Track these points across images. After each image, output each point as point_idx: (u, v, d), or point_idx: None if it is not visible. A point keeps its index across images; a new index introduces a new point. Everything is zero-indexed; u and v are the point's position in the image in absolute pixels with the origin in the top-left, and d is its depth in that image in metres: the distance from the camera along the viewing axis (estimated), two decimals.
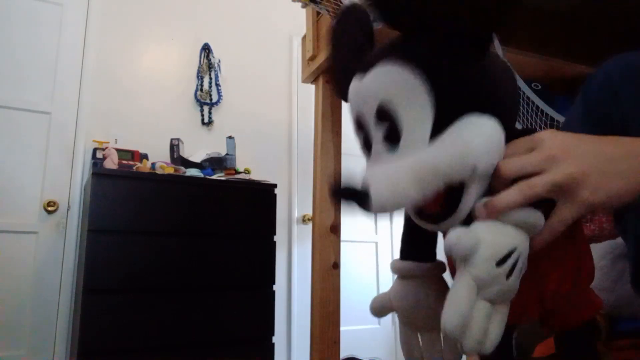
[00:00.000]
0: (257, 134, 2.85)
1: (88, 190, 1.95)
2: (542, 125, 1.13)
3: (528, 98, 1.15)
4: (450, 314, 0.41)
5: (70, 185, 2.33)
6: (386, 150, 0.47)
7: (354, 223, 2.93)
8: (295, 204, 2.87)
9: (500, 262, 0.43)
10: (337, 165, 1.12)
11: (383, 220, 3.07)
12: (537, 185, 0.43)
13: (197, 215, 2.00)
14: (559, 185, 0.43)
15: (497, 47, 1.21)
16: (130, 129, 2.49)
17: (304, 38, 1.35)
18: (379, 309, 0.62)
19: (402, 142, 0.46)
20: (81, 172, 2.36)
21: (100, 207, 1.83)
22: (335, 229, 1.06)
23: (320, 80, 1.23)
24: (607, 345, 0.81)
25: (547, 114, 1.12)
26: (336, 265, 1.04)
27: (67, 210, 2.30)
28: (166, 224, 1.93)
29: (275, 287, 2.10)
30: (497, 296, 0.43)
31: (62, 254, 2.26)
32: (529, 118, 1.16)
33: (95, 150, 2.22)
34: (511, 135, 0.47)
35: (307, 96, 2.92)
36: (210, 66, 2.76)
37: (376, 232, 3.07)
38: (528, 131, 0.48)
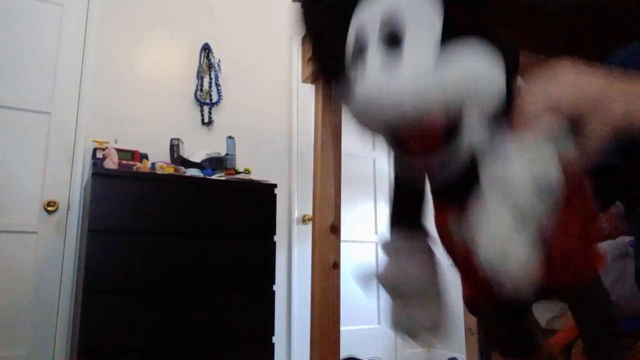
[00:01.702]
0: (257, 134, 2.85)
1: (88, 190, 1.95)
2: None
3: None
4: (489, 248, 0.40)
5: (70, 185, 2.33)
6: (386, 57, 0.45)
7: (354, 223, 2.93)
8: (295, 204, 2.87)
9: (542, 196, 0.41)
10: (337, 165, 1.12)
11: (383, 221, 3.07)
12: (564, 97, 0.42)
13: (197, 215, 2.00)
14: (590, 101, 0.41)
15: None
16: (130, 129, 2.49)
17: (304, 38, 1.35)
18: (365, 278, 0.62)
19: (406, 49, 0.44)
20: (81, 172, 2.36)
21: (100, 207, 1.83)
22: (335, 229, 1.06)
23: (320, 80, 1.23)
24: None
25: None
26: (336, 265, 1.04)
27: (67, 210, 2.30)
28: (166, 224, 1.93)
29: (275, 287, 2.10)
30: (534, 227, 0.42)
31: (62, 254, 2.26)
32: None
33: (95, 150, 2.22)
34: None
35: (307, 96, 2.92)
36: (210, 66, 2.76)
37: (376, 232, 3.07)
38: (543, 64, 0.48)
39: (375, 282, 0.61)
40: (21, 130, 2.28)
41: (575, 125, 0.43)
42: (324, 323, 1.01)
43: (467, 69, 0.43)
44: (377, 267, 0.61)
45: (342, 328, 1.01)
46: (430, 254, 0.59)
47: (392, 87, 0.42)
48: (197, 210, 2.00)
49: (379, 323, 2.94)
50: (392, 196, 0.62)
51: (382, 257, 0.62)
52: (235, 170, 2.34)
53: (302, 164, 2.91)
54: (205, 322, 1.92)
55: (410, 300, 0.59)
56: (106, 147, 2.14)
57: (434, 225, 0.61)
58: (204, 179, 2.13)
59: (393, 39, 0.45)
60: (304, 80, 1.34)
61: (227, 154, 2.37)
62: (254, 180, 2.22)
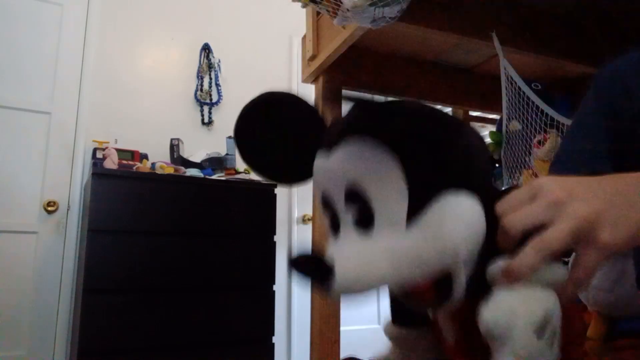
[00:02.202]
0: None
1: (88, 190, 1.95)
2: (542, 125, 1.13)
3: (528, 98, 1.15)
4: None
5: (70, 185, 2.33)
6: (357, 234, 0.44)
7: None
8: (295, 204, 2.87)
9: (540, 330, 0.39)
10: None
11: None
12: (554, 240, 0.38)
13: (197, 215, 2.00)
14: (575, 233, 0.38)
15: (497, 48, 1.21)
16: (130, 129, 2.49)
17: (304, 38, 1.35)
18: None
19: (376, 225, 0.43)
20: (81, 172, 2.36)
21: (100, 207, 1.83)
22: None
23: (320, 80, 1.23)
24: (607, 345, 0.81)
25: (547, 114, 1.12)
26: None
27: (67, 210, 2.30)
28: (166, 224, 1.93)
29: (275, 287, 2.10)
30: None
31: (62, 254, 2.26)
32: (529, 118, 1.16)
33: (95, 150, 2.22)
34: (493, 196, 0.44)
35: (307, 96, 2.92)
36: (210, 66, 2.76)
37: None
38: (510, 189, 0.45)
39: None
40: (21, 130, 2.28)
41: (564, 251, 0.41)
42: (324, 323, 1.01)
43: (443, 226, 0.42)
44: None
45: (342, 328, 1.01)
46: (436, 344, 0.58)
47: (370, 265, 0.42)
48: (197, 210, 2.00)
49: (379, 323, 2.94)
50: (390, 296, 0.59)
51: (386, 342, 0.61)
52: (235, 170, 2.33)
53: None
54: (205, 322, 1.92)
55: None
56: (106, 147, 2.14)
57: None
58: (204, 179, 2.13)
59: (362, 215, 0.44)
60: (304, 80, 1.34)
61: (227, 154, 2.37)
62: (254, 180, 2.22)
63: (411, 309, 0.56)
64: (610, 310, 0.82)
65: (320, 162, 0.48)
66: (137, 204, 1.89)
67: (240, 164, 2.52)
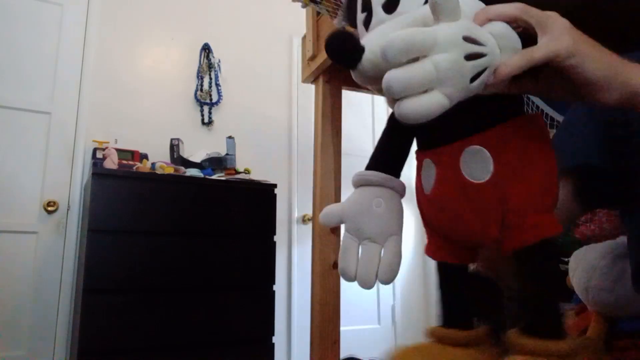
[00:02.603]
0: (257, 134, 2.85)
1: (88, 190, 1.95)
2: None
3: (528, 98, 1.15)
4: (394, 37, 0.39)
5: (70, 185, 2.33)
6: (385, 17, 0.50)
7: None
8: (295, 204, 2.87)
9: (470, 58, 0.41)
10: (337, 165, 1.12)
11: None
12: (539, 51, 0.45)
13: (197, 215, 2.00)
14: (557, 53, 0.44)
15: None
16: (130, 129, 2.49)
17: (304, 38, 1.35)
18: (329, 216, 0.61)
19: (399, 6, 0.49)
20: (81, 172, 2.36)
21: (100, 207, 1.83)
22: (335, 229, 1.06)
23: (320, 80, 1.23)
24: (607, 345, 0.81)
25: (547, 114, 1.12)
26: (336, 265, 1.04)
27: (67, 210, 2.30)
28: (166, 224, 1.93)
29: (275, 287, 2.10)
30: (453, 93, 0.40)
31: (62, 254, 2.26)
32: None
33: (95, 150, 2.22)
34: None
35: (307, 96, 2.92)
36: (210, 66, 2.76)
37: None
38: None
39: (339, 220, 0.62)
40: (21, 130, 2.28)
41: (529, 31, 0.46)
42: (324, 323, 1.01)
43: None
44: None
45: (342, 328, 1.01)
46: (399, 200, 0.60)
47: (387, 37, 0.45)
48: (197, 210, 2.00)
49: (379, 323, 2.94)
50: (377, 145, 0.63)
51: None
52: (235, 170, 2.34)
53: (302, 164, 2.91)
54: (205, 322, 1.92)
55: (367, 240, 0.58)
56: (106, 147, 2.14)
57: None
58: (204, 179, 2.13)
59: (389, 3, 0.50)
60: (304, 81, 1.34)
61: (227, 154, 2.37)
62: (254, 180, 2.22)
63: (394, 148, 0.61)
64: (610, 310, 0.82)
65: None
66: (137, 204, 1.89)
67: (240, 164, 2.52)
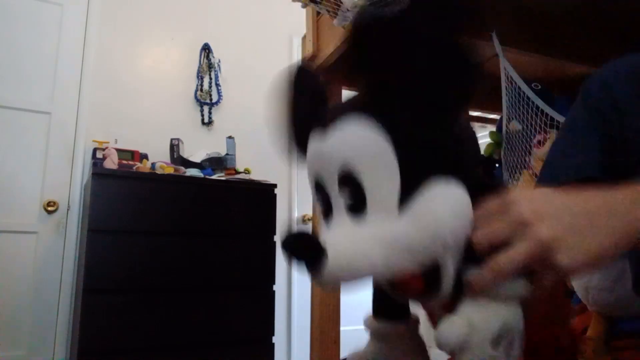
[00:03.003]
0: (257, 134, 2.84)
1: (88, 190, 1.95)
2: (542, 125, 1.13)
3: (528, 98, 1.15)
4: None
5: (70, 185, 2.33)
6: (350, 218, 0.44)
7: None
8: (295, 204, 2.87)
9: (496, 342, 0.41)
10: None
11: None
12: (511, 261, 0.41)
13: (197, 215, 2.00)
14: (532, 255, 0.41)
15: (497, 47, 1.21)
16: (130, 129, 2.49)
17: (304, 38, 1.35)
18: None
19: (368, 210, 0.43)
20: (81, 172, 2.36)
21: (100, 207, 1.83)
22: None
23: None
24: (607, 345, 0.81)
25: (547, 114, 1.12)
26: None
27: (67, 210, 2.30)
28: (166, 224, 1.93)
29: (275, 287, 2.10)
30: None
31: (62, 254, 2.26)
32: (529, 118, 1.16)
33: (95, 150, 2.22)
34: (480, 189, 0.45)
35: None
36: (210, 66, 2.76)
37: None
38: (495, 185, 0.47)
39: None
40: (21, 130, 2.28)
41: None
42: (324, 323, 1.01)
43: (434, 215, 0.42)
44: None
45: (342, 328, 1.01)
46: (419, 339, 0.58)
47: (361, 252, 0.42)
48: (197, 210, 2.00)
49: None
50: (373, 289, 0.60)
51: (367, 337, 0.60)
52: (235, 170, 2.34)
53: (302, 164, 2.91)
54: (205, 322, 1.92)
55: None
56: (106, 147, 2.13)
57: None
58: (204, 179, 2.13)
59: (355, 199, 0.44)
60: None
61: (227, 154, 2.37)
62: (254, 180, 2.22)
63: (396, 301, 0.56)
64: (610, 310, 0.82)
65: (315, 145, 0.48)
66: (137, 204, 1.89)
67: (240, 164, 2.52)
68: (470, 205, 0.44)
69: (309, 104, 0.54)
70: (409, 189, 0.43)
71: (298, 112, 0.55)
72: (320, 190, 0.48)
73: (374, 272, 0.42)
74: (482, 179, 0.50)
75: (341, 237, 0.43)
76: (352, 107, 0.45)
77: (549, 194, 0.45)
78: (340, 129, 0.44)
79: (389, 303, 0.57)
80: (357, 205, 0.44)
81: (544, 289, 0.44)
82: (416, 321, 0.58)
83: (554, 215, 0.42)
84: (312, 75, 0.57)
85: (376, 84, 0.45)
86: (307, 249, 0.41)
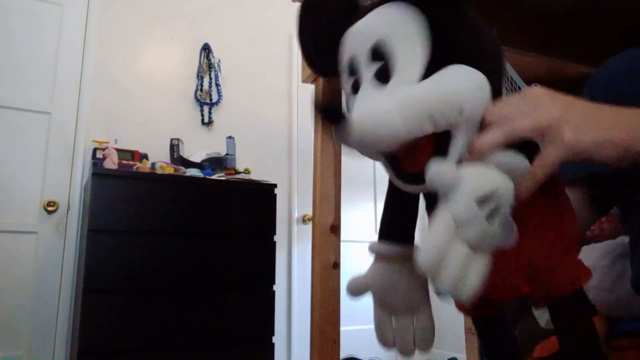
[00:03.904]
0: (257, 134, 2.85)
1: (88, 190, 1.95)
2: None
3: None
4: (426, 247, 0.39)
5: (70, 185, 2.33)
6: (375, 88, 0.47)
7: (354, 223, 2.93)
8: (295, 204, 2.87)
9: (482, 202, 0.41)
10: (337, 165, 1.12)
11: None
12: (518, 125, 0.43)
13: (197, 215, 2.00)
14: (542, 126, 0.42)
15: None
16: (130, 129, 2.49)
17: None
18: (355, 289, 0.61)
19: (392, 79, 0.46)
20: (81, 172, 2.36)
21: (100, 207, 1.83)
22: (335, 229, 1.06)
23: (320, 80, 1.23)
24: (607, 345, 0.81)
25: None
26: (336, 265, 1.04)
27: (67, 210, 2.30)
28: (166, 224, 1.93)
29: (275, 287, 2.10)
30: (477, 239, 0.41)
31: (62, 254, 2.26)
32: None
33: (95, 150, 2.22)
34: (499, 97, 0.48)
35: (307, 96, 2.92)
36: (210, 66, 2.76)
37: (376, 232, 3.07)
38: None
39: (366, 292, 0.60)
40: (21, 130, 2.28)
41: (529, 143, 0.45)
42: (324, 323, 1.00)
43: (454, 81, 0.44)
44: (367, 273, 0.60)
45: (342, 328, 1.01)
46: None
47: (383, 116, 0.44)
48: (197, 210, 2.00)
49: None
50: (384, 208, 0.62)
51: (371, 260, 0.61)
52: (235, 170, 2.34)
53: (302, 164, 2.91)
54: (205, 322, 1.92)
55: (398, 313, 0.58)
56: (106, 147, 2.14)
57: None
58: (204, 179, 2.13)
59: (382, 72, 0.47)
60: (304, 81, 1.34)
61: (227, 154, 2.37)
62: (254, 180, 2.22)
63: (402, 224, 0.59)
64: (610, 310, 0.82)
65: (353, 27, 0.51)
66: (137, 204, 1.89)
67: (240, 164, 2.52)
68: (489, 87, 0.46)
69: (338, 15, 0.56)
70: (433, 68, 0.45)
71: (324, 23, 0.58)
72: (351, 71, 0.51)
73: (393, 135, 0.44)
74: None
75: (365, 104, 0.46)
76: None
77: (569, 96, 0.47)
78: (380, 9, 0.49)
79: (395, 227, 0.60)
80: (384, 75, 0.47)
81: (543, 166, 0.43)
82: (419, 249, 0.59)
83: (569, 103, 0.44)
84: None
85: None
86: (336, 112, 0.44)
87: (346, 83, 0.53)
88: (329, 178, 1.09)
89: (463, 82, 0.44)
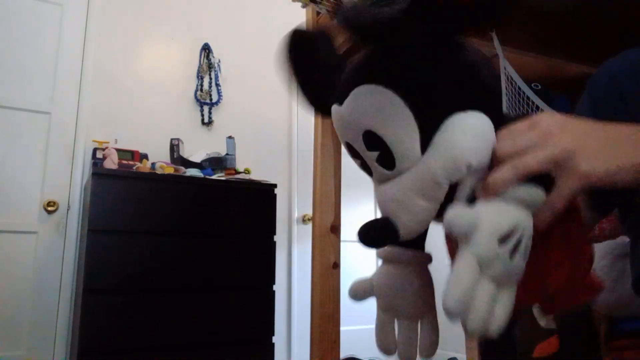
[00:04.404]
0: (257, 134, 2.85)
1: (88, 190, 1.95)
2: None
3: (528, 98, 1.15)
4: (453, 290, 0.39)
5: (70, 185, 2.33)
6: (386, 172, 0.47)
7: (354, 223, 2.93)
8: (295, 204, 2.87)
9: (503, 240, 0.41)
10: (337, 165, 1.12)
11: None
12: (531, 160, 0.42)
13: (197, 215, 2.00)
14: (554, 159, 0.42)
15: (497, 47, 1.21)
16: (130, 129, 2.49)
17: None
18: (359, 292, 0.60)
19: (397, 163, 0.46)
20: (81, 172, 2.36)
21: (100, 207, 1.83)
22: (335, 229, 1.06)
23: None
24: (607, 345, 0.81)
25: None
26: (336, 265, 1.04)
27: (67, 210, 2.30)
28: (166, 224, 1.93)
29: (275, 287, 2.10)
30: (502, 276, 0.42)
31: (62, 254, 2.26)
32: None
33: (95, 150, 2.22)
34: (503, 122, 0.47)
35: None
36: (210, 66, 2.76)
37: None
38: (523, 117, 0.47)
39: (370, 296, 0.60)
40: (21, 130, 2.28)
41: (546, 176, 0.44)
42: (324, 323, 1.01)
43: (450, 140, 0.44)
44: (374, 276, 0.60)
45: (342, 328, 1.01)
46: (429, 273, 0.58)
47: (407, 212, 0.46)
48: (197, 210, 2.00)
49: None
50: None
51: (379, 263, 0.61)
52: (235, 170, 2.34)
53: (302, 164, 2.91)
54: (205, 322, 1.92)
55: (403, 318, 0.57)
56: (106, 147, 2.14)
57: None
58: (204, 179, 2.13)
59: (385, 158, 0.47)
60: None
61: (227, 154, 2.37)
62: (254, 180, 2.22)
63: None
64: (610, 310, 0.82)
65: (336, 112, 0.51)
66: (137, 204, 1.89)
67: (240, 164, 2.52)
68: (492, 125, 0.45)
69: (320, 68, 0.56)
70: (430, 130, 0.45)
71: (310, 76, 0.58)
72: (353, 152, 0.52)
73: (428, 216, 0.45)
74: (505, 114, 0.50)
75: (390, 199, 0.47)
76: (360, 70, 0.48)
77: (578, 118, 0.46)
78: (354, 94, 0.48)
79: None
80: (387, 162, 0.47)
81: (560, 198, 0.43)
82: (428, 256, 0.59)
83: (580, 132, 0.44)
84: (313, 40, 0.58)
85: (376, 51, 0.47)
86: (381, 233, 0.46)
87: (354, 160, 0.53)
88: (329, 178, 1.09)
89: (462, 138, 0.43)
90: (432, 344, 0.57)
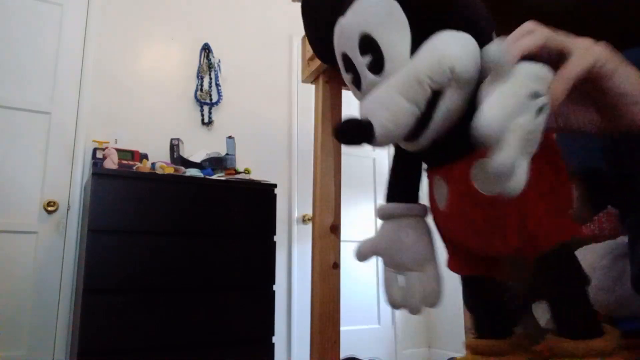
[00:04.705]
0: (257, 134, 2.85)
1: (88, 190, 1.95)
2: None
3: None
4: (495, 110, 0.38)
5: (70, 185, 2.33)
6: (374, 78, 0.50)
7: (354, 223, 2.93)
8: (295, 204, 2.87)
9: (532, 97, 0.41)
10: (337, 165, 1.12)
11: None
12: (556, 36, 0.43)
13: (197, 215, 2.00)
14: (575, 43, 0.43)
15: None
16: (130, 129, 2.49)
17: (304, 38, 1.35)
18: (364, 252, 0.62)
19: (386, 66, 0.49)
20: (81, 172, 2.37)
21: (100, 207, 1.83)
22: (335, 229, 1.06)
23: (320, 80, 1.23)
24: None
25: None
26: (336, 265, 1.04)
27: (67, 210, 2.30)
28: (166, 224, 1.93)
29: (275, 287, 2.10)
30: (528, 131, 0.40)
31: (62, 254, 2.26)
32: None
33: (95, 150, 2.22)
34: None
35: (307, 96, 2.92)
36: (210, 66, 2.76)
37: (376, 232, 3.07)
38: None
39: (373, 255, 0.62)
40: (21, 130, 2.28)
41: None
42: (324, 323, 1.01)
43: (438, 45, 0.46)
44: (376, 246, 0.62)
45: (342, 328, 1.01)
46: (425, 224, 0.60)
47: (391, 112, 0.46)
48: (197, 210, 2.00)
49: (379, 323, 2.94)
50: (390, 172, 0.64)
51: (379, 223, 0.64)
52: (235, 170, 2.34)
53: (302, 164, 2.91)
54: (205, 322, 1.92)
55: (405, 270, 0.59)
56: (106, 147, 2.14)
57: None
58: (204, 179, 2.13)
59: (376, 63, 0.50)
60: (304, 80, 1.34)
61: (227, 154, 2.37)
62: (254, 180, 2.22)
63: (406, 175, 0.62)
64: (610, 310, 0.82)
65: (338, 26, 0.54)
66: (137, 204, 1.89)
67: (240, 164, 2.52)
68: (478, 48, 0.46)
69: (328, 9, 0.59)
70: (420, 42, 0.47)
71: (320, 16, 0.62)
72: (348, 65, 0.54)
73: (408, 118, 0.46)
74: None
75: (373, 100, 0.47)
76: None
77: None
78: (355, 4, 0.52)
79: (400, 187, 0.62)
80: (377, 64, 0.49)
81: (575, 68, 0.43)
82: (423, 207, 0.61)
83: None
84: None
85: None
86: (356, 130, 0.46)
87: (347, 79, 0.56)
88: (329, 178, 1.09)
89: (449, 44, 0.45)
90: (435, 293, 0.58)
